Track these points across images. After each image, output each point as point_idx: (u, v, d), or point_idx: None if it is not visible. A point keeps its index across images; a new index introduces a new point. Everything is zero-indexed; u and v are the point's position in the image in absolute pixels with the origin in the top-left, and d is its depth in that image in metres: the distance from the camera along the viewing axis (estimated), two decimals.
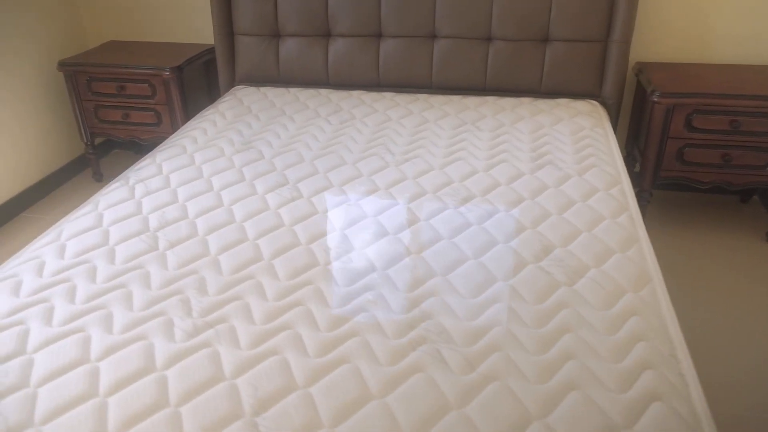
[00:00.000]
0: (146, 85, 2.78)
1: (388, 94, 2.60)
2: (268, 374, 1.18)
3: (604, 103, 2.50)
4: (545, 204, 1.74)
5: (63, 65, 2.81)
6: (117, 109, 2.88)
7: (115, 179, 1.99)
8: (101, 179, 3.14)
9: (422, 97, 2.57)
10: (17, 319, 1.34)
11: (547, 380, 1.16)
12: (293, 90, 2.68)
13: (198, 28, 3.07)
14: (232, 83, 2.83)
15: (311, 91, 2.66)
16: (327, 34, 2.66)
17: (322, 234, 1.63)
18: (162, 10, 3.07)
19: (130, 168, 2.07)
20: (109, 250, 1.58)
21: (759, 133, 2.27)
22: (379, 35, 2.62)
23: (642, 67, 2.55)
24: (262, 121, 2.37)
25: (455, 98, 2.54)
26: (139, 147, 3.42)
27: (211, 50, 2.98)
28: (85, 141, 2.99)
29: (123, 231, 1.66)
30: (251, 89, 2.71)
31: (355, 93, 2.62)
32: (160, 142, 2.95)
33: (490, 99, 2.51)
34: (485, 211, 1.72)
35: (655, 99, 2.29)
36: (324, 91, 2.65)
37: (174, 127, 2.84)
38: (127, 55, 2.89)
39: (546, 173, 1.91)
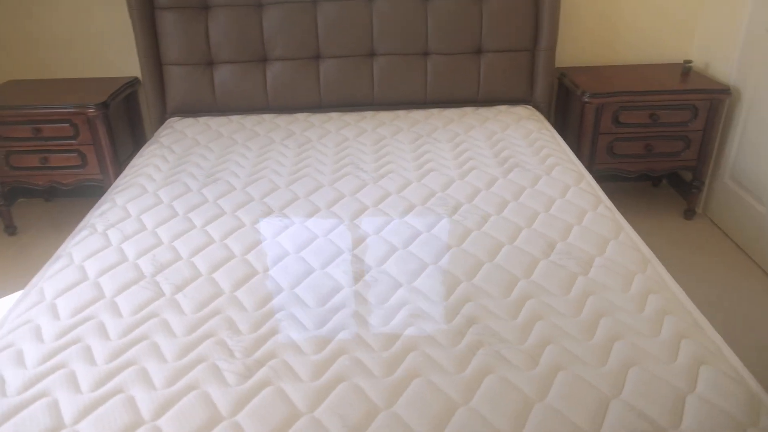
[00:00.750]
0: (67, 125, 2.57)
1: (334, 114, 2.61)
2: (346, 402, 1.16)
3: (536, 107, 2.69)
4: (529, 203, 1.85)
5: None
6: (33, 153, 2.63)
7: (79, 227, 1.83)
8: (15, 232, 2.84)
9: (368, 114, 2.61)
10: (39, 391, 1.20)
11: (606, 362, 1.24)
12: (234, 118, 2.61)
13: (108, 61, 2.89)
14: (164, 116, 2.69)
15: (254, 118, 2.60)
16: (263, 59, 2.63)
17: (334, 257, 1.61)
18: (64, 45, 2.85)
19: (90, 214, 1.92)
20: (110, 303, 1.46)
21: (674, 124, 2.56)
22: (317, 56, 2.63)
23: (564, 71, 2.78)
24: (216, 151, 2.29)
25: (401, 113, 2.61)
26: (49, 193, 3.14)
27: (131, 83, 2.82)
28: None
29: (117, 281, 1.54)
30: (189, 120, 2.60)
31: (301, 116, 2.61)
32: (87, 185, 2.75)
33: (435, 111, 2.61)
34: (479, 217, 1.79)
35: (586, 99, 2.51)
36: (267, 117, 2.61)
37: (102, 167, 2.65)
38: (37, 95, 2.65)
39: (517, 175, 2.03)
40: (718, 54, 2.69)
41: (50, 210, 3.06)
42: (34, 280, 1.60)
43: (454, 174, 2.05)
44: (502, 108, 2.63)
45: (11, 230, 2.83)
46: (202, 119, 2.61)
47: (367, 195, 1.93)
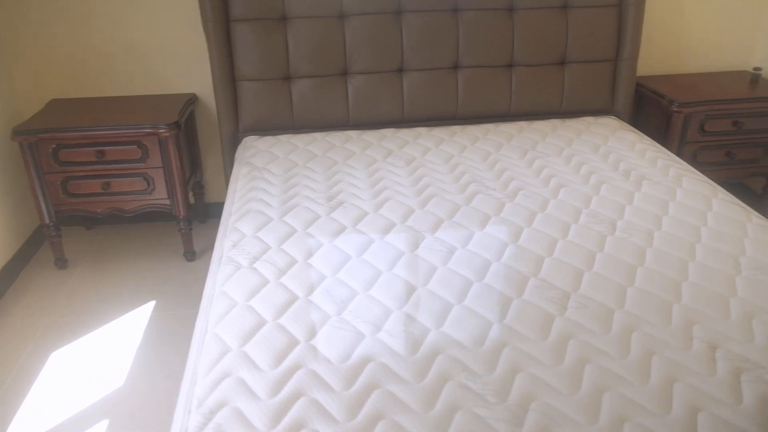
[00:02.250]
0: (135, 146, 2.36)
1: (422, 130, 2.50)
2: None
3: (618, 117, 2.67)
4: (684, 218, 1.81)
5: (20, 134, 2.27)
6: (94, 179, 2.40)
7: (216, 262, 1.66)
8: (65, 265, 2.59)
9: (457, 129, 2.51)
10: None
11: None
12: (318, 135, 2.46)
13: (158, 77, 2.68)
14: (236, 134, 2.52)
15: (339, 135, 2.46)
16: (344, 72, 2.50)
17: (524, 282, 1.51)
18: (106, 61, 2.63)
19: (218, 246, 1.74)
20: (310, 348, 1.31)
21: (756, 131, 2.59)
22: (401, 69, 2.52)
23: (638, 82, 2.78)
24: (320, 172, 2.15)
25: (490, 127, 2.53)
26: (91, 221, 2.88)
27: (190, 100, 2.62)
28: (48, 221, 2.45)
29: (302, 322, 1.39)
30: (269, 139, 2.44)
31: (387, 132, 2.49)
32: (151, 212, 2.54)
33: (524, 124, 2.55)
34: (643, 233, 1.73)
35: (675, 109, 2.51)
36: (353, 133, 2.48)
37: (171, 192, 2.45)
38: (94, 116, 2.42)
39: (651, 189, 1.98)
40: None
41: (94, 239, 2.81)
42: (200, 325, 1.43)
43: (587, 189, 1.99)
44: (589, 119, 2.60)
45: (62, 263, 2.57)
46: (283, 137, 2.45)
47: (513, 214, 1.84)
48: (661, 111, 2.61)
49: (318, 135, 2.46)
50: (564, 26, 2.53)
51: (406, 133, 2.47)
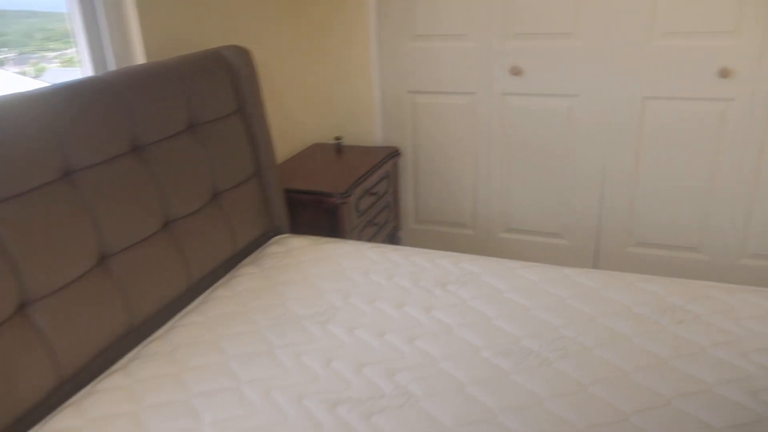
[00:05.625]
0: None
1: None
2: None
3: (285, 233, 2.21)
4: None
5: None
6: None
7: None
8: None
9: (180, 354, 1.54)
10: None
11: None
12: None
13: None
14: None
15: None
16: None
17: None
18: None
19: None
20: None
21: (378, 194, 2.61)
22: (22, 304, 1.34)
23: None
24: None
25: (185, 328, 1.66)
26: None
27: None
28: None
29: None
30: None
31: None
32: None
33: (223, 293, 1.79)
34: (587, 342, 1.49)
35: (340, 201, 2.27)
36: None
37: None
38: None
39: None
40: (350, 125, 2.86)
41: None
42: None
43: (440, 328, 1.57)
44: (278, 249, 2.03)
45: None
46: None
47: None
48: (316, 208, 2.31)
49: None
50: (200, 151, 1.87)
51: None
